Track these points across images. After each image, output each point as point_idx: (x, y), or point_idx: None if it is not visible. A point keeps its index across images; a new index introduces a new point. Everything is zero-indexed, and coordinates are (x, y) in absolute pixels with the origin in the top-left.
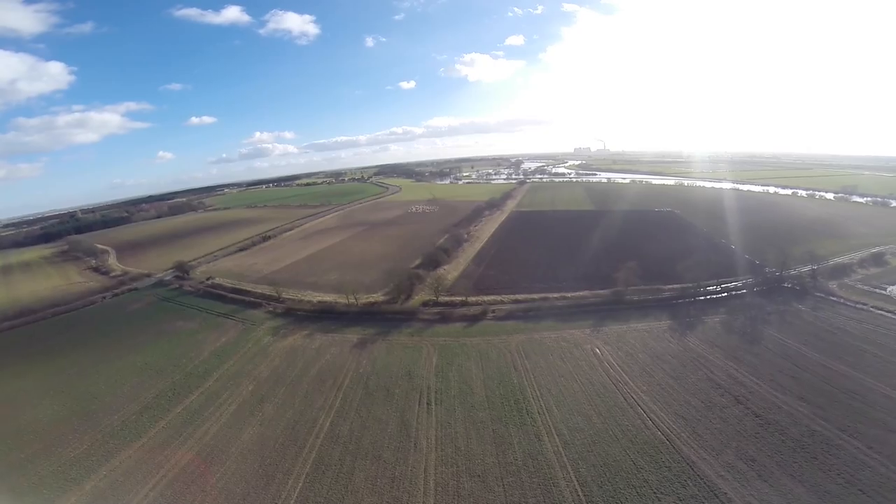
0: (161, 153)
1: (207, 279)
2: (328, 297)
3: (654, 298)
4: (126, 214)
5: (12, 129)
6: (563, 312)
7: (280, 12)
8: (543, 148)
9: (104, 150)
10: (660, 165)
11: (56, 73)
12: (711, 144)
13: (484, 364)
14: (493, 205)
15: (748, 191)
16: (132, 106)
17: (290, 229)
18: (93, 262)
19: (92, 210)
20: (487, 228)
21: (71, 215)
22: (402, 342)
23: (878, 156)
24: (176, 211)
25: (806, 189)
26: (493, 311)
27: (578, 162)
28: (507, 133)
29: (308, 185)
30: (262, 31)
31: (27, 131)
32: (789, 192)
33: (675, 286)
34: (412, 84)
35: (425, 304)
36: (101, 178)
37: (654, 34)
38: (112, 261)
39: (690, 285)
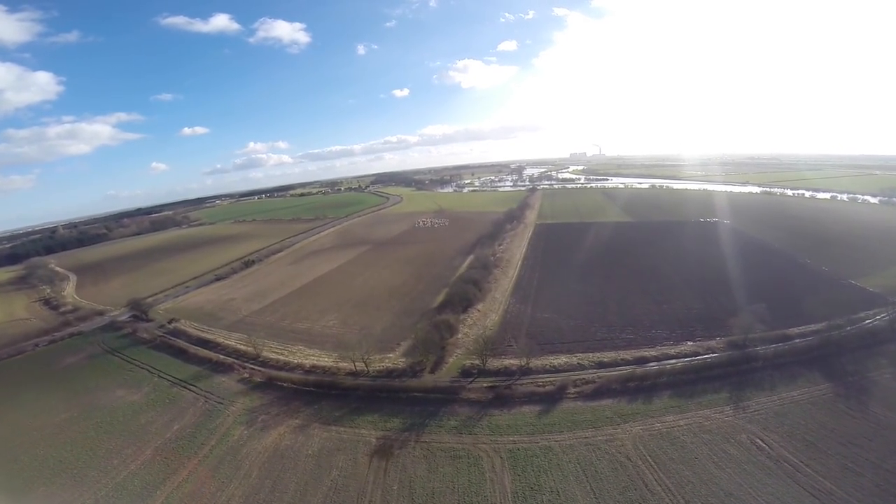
0: (155, 164)
1: (170, 322)
2: (326, 360)
3: (788, 350)
4: (105, 231)
5: (3, 141)
6: (678, 381)
7: (269, 20)
8: (539, 154)
9: (97, 162)
10: (668, 169)
11: (44, 84)
12: (706, 146)
13: (594, 486)
14: (512, 216)
15: (781, 194)
16: (123, 116)
17: (279, 250)
18: (47, 292)
19: (74, 225)
20: (515, 247)
21: (52, 231)
22: (446, 446)
23: (873, 154)
24: (158, 226)
25: (841, 192)
26: (576, 385)
27: (581, 167)
28: (501, 140)
29: (302, 195)
30: (251, 40)
31: (18, 143)
32: (828, 195)
33: (803, 329)
34: (406, 92)
35: (466, 371)
36: (96, 189)
37: (644, 36)
38: (69, 290)
39: (821, 327)
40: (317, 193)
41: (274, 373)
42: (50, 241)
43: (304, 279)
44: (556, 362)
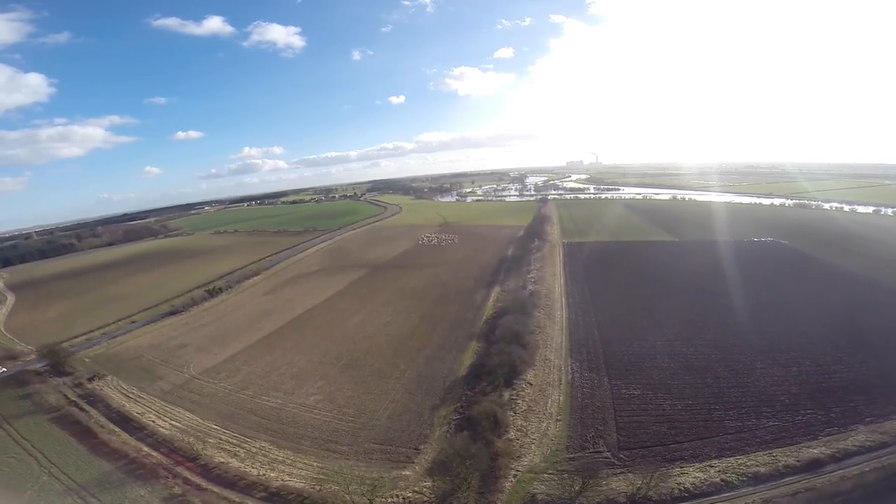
0: (148, 168)
1: (90, 379)
2: (303, 475)
3: None
4: (74, 241)
5: None
6: (879, 491)
7: (264, 24)
8: (535, 162)
9: (90, 165)
10: (676, 178)
11: (35, 85)
12: (703, 155)
13: None
14: (533, 233)
15: (818, 207)
16: (116, 119)
17: (256, 273)
18: None
19: (50, 231)
20: (549, 275)
21: (26, 237)
22: None
23: (870, 163)
24: (133, 237)
25: (877, 206)
26: None
27: (585, 176)
28: (497, 147)
29: (294, 202)
30: (245, 44)
31: (9, 144)
32: (870, 209)
33: None
34: (402, 99)
35: None
36: (89, 192)
37: (641, 44)
38: None
39: None
40: (309, 201)
41: (221, 493)
42: (12, 251)
43: (280, 319)
44: (685, 481)
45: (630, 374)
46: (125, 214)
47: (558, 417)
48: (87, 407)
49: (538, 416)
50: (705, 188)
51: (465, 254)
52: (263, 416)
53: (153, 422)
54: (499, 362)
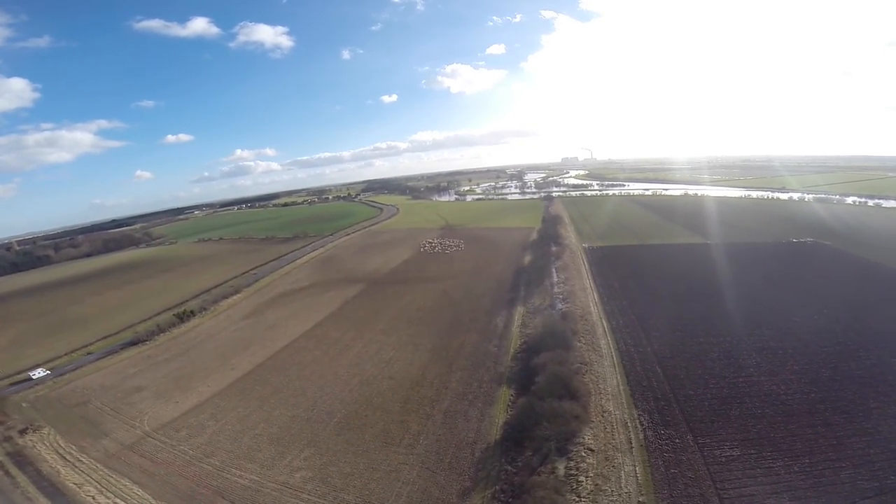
0: (139, 172)
1: (23, 431)
2: None
3: None
4: (50, 252)
5: None
6: None
7: (250, 24)
8: (530, 159)
9: (80, 170)
10: (675, 173)
11: (19, 90)
12: (694, 149)
13: None
14: (548, 236)
15: (839, 202)
16: (104, 124)
17: (236, 291)
18: None
19: (34, 240)
20: (578, 289)
21: (7, 248)
22: None
23: (861, 155)
24: (113, 246)
25: None
26: None
27: (584, 172)
28: (491, 145)
29: (286, 205)
30: (232, 45)
31: None
32: (893, 203)
33: None
34: (394, 98)
35: None
36: (81, 197)
37: (632, 39)
38: None
39: None
40: (302, 203)
41: None
42: None
43: (259, 353)
44: None
45: (718, 427)
46: (113, 220)
47: (640, 499)
48: (13, 471)
49: (612, 500)
50: (712, 183)
51: (474, 263)
52: (234, 501)
53: (93, 498)
54: (553, 433)
